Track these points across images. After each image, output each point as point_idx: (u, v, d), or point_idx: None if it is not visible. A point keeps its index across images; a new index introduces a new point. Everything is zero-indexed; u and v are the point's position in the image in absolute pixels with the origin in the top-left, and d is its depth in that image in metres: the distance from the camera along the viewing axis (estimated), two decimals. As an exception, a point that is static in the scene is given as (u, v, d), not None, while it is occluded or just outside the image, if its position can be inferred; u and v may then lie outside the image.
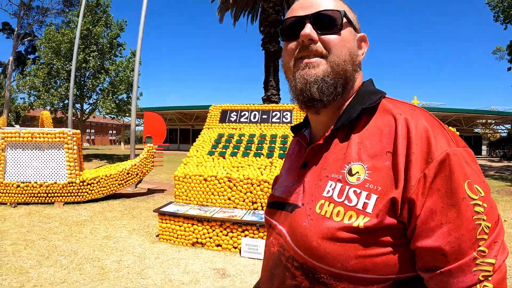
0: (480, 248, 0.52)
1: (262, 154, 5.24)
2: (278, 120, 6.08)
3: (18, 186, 6.51)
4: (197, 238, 4.45)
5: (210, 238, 4.40)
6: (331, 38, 0.66)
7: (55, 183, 6.68)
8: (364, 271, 0.56)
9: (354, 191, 0.59)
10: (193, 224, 4.47)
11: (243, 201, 4.74)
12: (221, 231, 4.38)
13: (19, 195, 6.52)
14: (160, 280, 3.42)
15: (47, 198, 6.66)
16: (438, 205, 0.53)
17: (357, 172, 0.60)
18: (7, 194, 6.47)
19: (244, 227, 4.28)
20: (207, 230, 4.41)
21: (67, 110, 15.29)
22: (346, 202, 0.59)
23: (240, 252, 4.21)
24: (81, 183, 6.87)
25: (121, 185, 7.56)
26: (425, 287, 0.57)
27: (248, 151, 5.34)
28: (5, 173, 6.51)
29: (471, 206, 0.52)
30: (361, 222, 0.56)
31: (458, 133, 7.79)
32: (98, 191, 7.13)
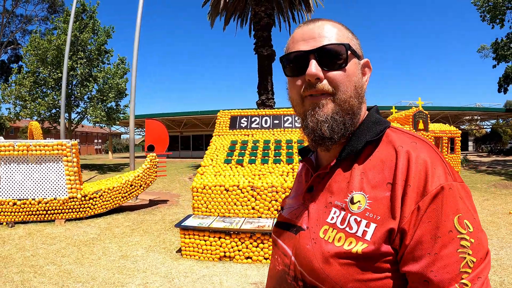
0: (463, 281, 0.53)
1: (282, 161, 4.99)
2: (291, 125, 5.94)
3: (15, 204, 5.91)
4: (225, 252, 4.09)
5: (239, 250, 4.06)
6: (337, 75, 0.66)
7: (54, 199, 6.12)
8: None
9: (355, 219, 0.61)
10: (220, 238, 4.11)
11: (268, 209, 4.48)
12: (251, 243, 4.05)
13: (16, 213, 5.92)
14: (199, 304, 3.04)
15: (47, 215, 6.09)
16: (426, 235, 0.55)
17: (359, 201, 0.62)
18: (2, 213, 5.86)
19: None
20: (236, 243, 4.06)
21: (54, 120, 14.53)
22: (347, 229, 0.61)
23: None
24: (82, 198, 6.33)
25: (125, 198, 7.06)
26: None
27: (266, 157, 5.09)
28: (-2, 190, 5.91)
29: (457, 239, 0.54)
30: (359, 248, 0.59)
31: (459, 131, 7.59)
32: (101, 206, 6.61)
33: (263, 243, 4.05)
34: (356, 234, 0.60)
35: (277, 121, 5.96)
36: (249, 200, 4.47)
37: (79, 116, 15.93)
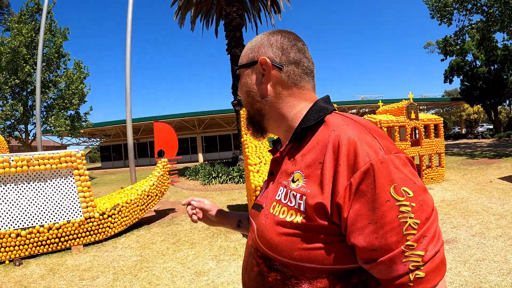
0: (408, 243, 0.55)
1: None
2: None
3: (19, 235, 4.53)
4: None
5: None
6: (238, 91, 0.83)
7: (68, 222, 4.86)
8: (308, 261, 0.63)
9: (293, 194, 0.66)
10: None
11: None
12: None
13: (22, 247, 4.55)
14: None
15: (60, 243, 4.81)
16: (364, 207, 0.58)
17: (298, 179, 0.67)
18: (4, 249, 4.45)
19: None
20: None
21: (9, 134, 12.06)
22: (288, 203, 0.67)
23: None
24: (100, 217, 5.15)
25: (143, 211, 5.97)
26: (367, 277, 0.63)
27: None
28: (-7, 220, 4.47)
29: (395, 207, 0.56)
30: (298, 219, 0.63)
31: (441, 119, 7.98)
32: (121, 223, 5.47)
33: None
34: (294, 206, 0.65)
35: None
36: None
37: (35, 127, 13.46)
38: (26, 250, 4.60)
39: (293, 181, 0.67)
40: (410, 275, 0.55)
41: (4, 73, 11.23)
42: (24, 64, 11.33)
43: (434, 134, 8.89)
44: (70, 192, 4.95)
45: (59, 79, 12.42)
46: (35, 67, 12.15)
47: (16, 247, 4.53)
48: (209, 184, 10.54)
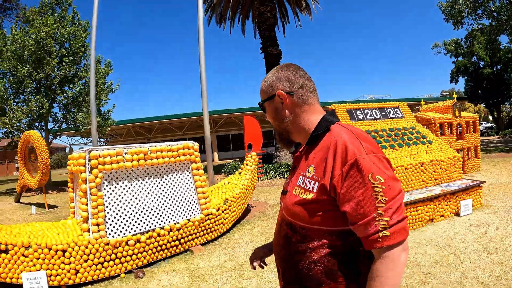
0: (378, 211, 0.76)
1: (416, 143, 5.15)
2: (394, 116, 5.80)
3: (138, 241, 3.45)
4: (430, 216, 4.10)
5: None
6: (267, 116, 1.03)
7: (188, 221, 3.84)
8: (318, 224, 0.85)
9: (309, 181, 0.87)
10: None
11: (431, 179, 4.73)
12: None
13: (140, 254, 3.47)
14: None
15: (180, 246, 3.79)
16: (351, 186, 0.78)
17: (311, 170, 0.87)
18: (120, 260, 3.36)
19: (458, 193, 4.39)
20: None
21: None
22: (304, 186, 0.87)
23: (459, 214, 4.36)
24: (217, 213, 4.17)
25: (244, 204, 5.03)
26: (358, 238, 0.82)
27: (401, 142, 5.11)
28: (108, 225, 3.36)
29: (371, 187, 0.76)
30: (309, 196, 0.85)
31: (477, 116, 7.95)
32: (231, 218, 4.51)
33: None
34: (308, 189, 0.86)
35: (383, 113, 5.73)
36: (419, 174, 4.59)
37: (56, 125, 11.63)
38: (145, 258, 3.53)
39: (308, 172, 0.88)
40: (380, 233, 0.75)
41: (28, 66, 9.45)
42: (48, 58, 9.61)
43: (473, 130, 8.88)
44: (189, 188, 3.92)
45: (85, 73, 10.75)
46: (61, 62, 10.45)
47: (134, 256, 3.45)
48: (259, 180, 9.76)
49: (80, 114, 10.61)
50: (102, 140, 24.88)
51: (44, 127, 11.24)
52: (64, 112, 11.39)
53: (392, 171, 0.81)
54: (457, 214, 4.37)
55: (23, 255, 3.07)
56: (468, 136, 8.34)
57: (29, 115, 9.60)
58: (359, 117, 5.53)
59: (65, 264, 3.13)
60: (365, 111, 5.66)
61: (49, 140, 11.71)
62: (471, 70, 25.11)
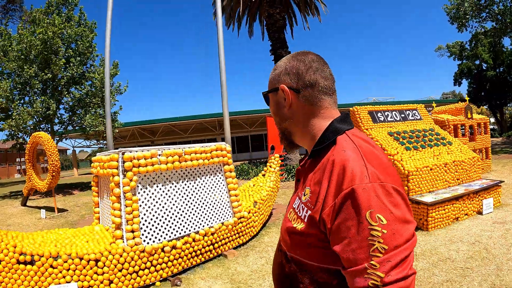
0: (372, 262, 0.57)
1: (437, 144, 5.06)
2: (413, 118, 5.69)
3: (174, 247, 3.19)
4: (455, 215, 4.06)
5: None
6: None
7: (222, 224, 3.59)
8: (309, 259, 0.70)
9: (302, 207, 0.71)
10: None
11: (453, 179, 4.65)
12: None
13: (176, 261, 3.21)
14: None
15: (213, 250, 3.54)
16: (343, 224, 0.60)
17: (307, 194, 0.71)
18: (155, 267, 3.09)
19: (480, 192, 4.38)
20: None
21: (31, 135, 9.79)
22: (298, 212, 0.72)
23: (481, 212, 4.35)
24: (247, 216, 3.92)
25: (270, 207, 4.79)
26: None
27: (423, 143, 5.00)
28: (143, 231, 3.09)
29: (367, 229, 0.57)
30: (300, 226, 0.70)
31: (487, 118, 8.21)
32: (260, 221, 4.28)
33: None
34: (300, 216, 0.71)
35: (403, 115, 5.62)
36: (442, 174, 4.49)
37: (62, 127, 11.20)
38: (180, 264, 3.28)
39: (304, 195, 0.72)
40: None
41: (34, 66, 9.03)
42: (54, 58, 9.21)
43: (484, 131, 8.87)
44: (221, 191, 3.67)
45: (92, 74, 10.36)
46: (67, 63, 10.06)
47: (170, 263, 3.19)
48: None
49: (88, 115, 10.22)
50: (104, 142, 24.34)
51: (49, 129, 10.82)
52: (70, 113, 10.98)
53: (404, 209, 0.60)
54: (479, 212, 4.40)
55: (51, 266, 2.78)
56: (479, 138, 8.31)
57: (35, 117, 9.18)
58: (380, 119, 5.47)
59: (98, 275, 2.86)
60: (386, 113, 5.62)
61: (55, 142, 11.27)
62: (474, 72, 24.85)
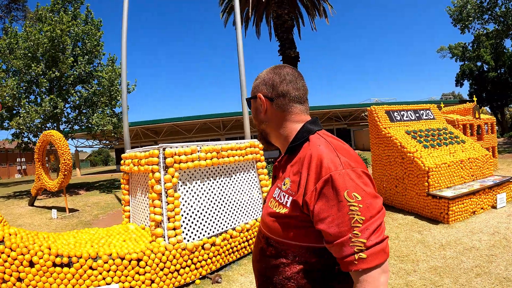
0: (354, 232, 0.67)
1: (452, 142, 5.13)
2: (427, 117, 5.76)
3: (213, 244, 3.08)
4: (472, 208, 4.18)
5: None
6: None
7: (256, 221, 3.49)
8: (291, 239, 0.78)
9: (283, 194, 0.80)
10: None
11: (468, 176, 4.76)
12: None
13: (214, 258, 3.11)
14: None
15: (247, 247, 3.44)
16: (325, 204, 0.70)
17: (286, 183, 0.81)
18: (195, 265, 2.98)
19: (494, 188, 4.47)
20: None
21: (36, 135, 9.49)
22: (279, 200, 0.81)
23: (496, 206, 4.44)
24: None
25: None
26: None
27: (439, 141, 5.05)
28: (183, 228, 2.96)
29: (347, 206, 0.68)
30: (283, 210, 0.79)
31: (494, 118, 8.09)
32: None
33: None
34: (282, 203, 0.79)
35: (417, 115, 5.76)
36: (460, 171, 4.56)
37: (69, 126, 10.86)
38: (218, 261, 3.18)
39: (284, 185, 0.81)
40: (355, 255, 0.67)
41: (41, 64, 8.72)
42: (62, 57, 8.92)
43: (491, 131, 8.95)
44: (254, 187, 3.57)
45: (100, 73, 10.08)
46: (75, 62, 9.75)
47: (209, 260, 3.09)
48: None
49: (95, 115, 9.94)
50: (107, 142, 23.87)
51: (55, 128, 10.50)
52: (77, 112, 10.66)
53: (372, 187, 0.73)
54: (494, 206, 4.52)
55: (90, 267, 2.62)
56: (487, 137, 8.42)
57: (42, 116, 8.88)
58: (396, 118, 5.54)
59: (140, 275, 2.74)
60: (402, 113, 5.70)
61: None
62: (476, 73, 24.86)
